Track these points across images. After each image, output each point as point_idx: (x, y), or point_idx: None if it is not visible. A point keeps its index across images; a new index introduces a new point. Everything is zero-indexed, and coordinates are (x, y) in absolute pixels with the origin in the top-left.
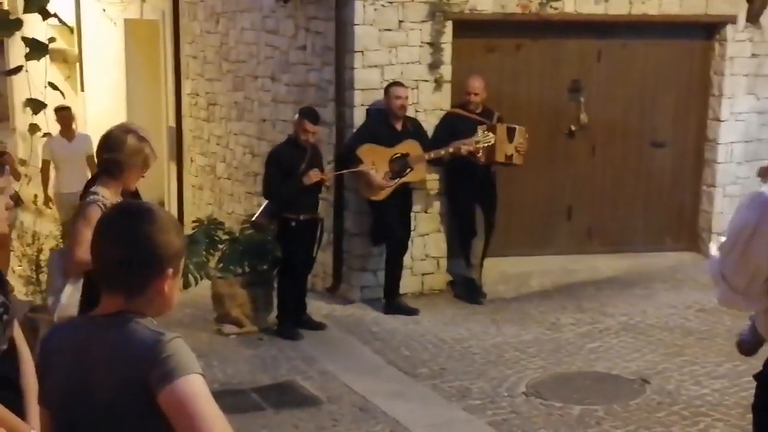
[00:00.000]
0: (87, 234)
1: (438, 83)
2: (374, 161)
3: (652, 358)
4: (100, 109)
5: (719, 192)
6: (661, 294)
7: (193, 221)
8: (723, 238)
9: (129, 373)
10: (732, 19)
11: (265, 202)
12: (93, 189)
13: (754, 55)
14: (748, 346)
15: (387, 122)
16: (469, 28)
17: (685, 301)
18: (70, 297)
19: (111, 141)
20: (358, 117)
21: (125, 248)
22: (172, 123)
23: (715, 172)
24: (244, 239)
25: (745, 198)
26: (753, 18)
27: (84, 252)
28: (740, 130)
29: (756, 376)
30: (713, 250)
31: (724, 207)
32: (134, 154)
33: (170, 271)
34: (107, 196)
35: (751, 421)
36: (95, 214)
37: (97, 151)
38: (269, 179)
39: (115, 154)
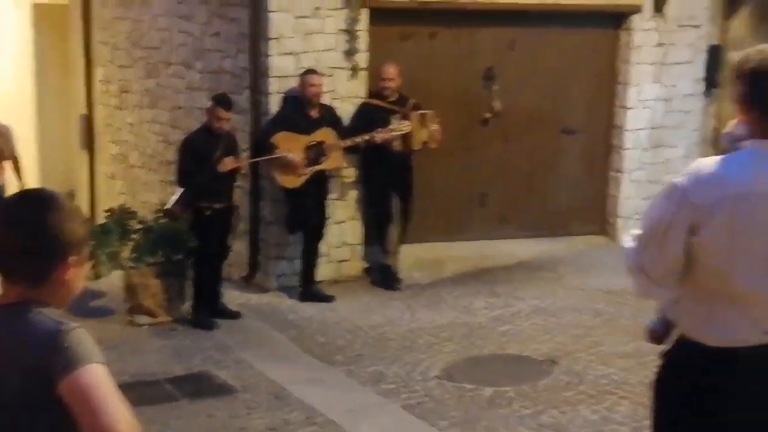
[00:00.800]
0: None
1: (354, 71)
2: (290, 149)
3: (561, 339)
4: (6, 96)
5: (626, 177)
6: (571, 277)
7: (105, 211)
8: (637, 231)
9: (30, 364)
10: (638, 9)
11: (179, 191)
12: None
13: (659, 44)
14: (658, 335)
15: (302, 110)
16: (384, 15)
17: (593, 284)
18: None
19: None
20: (274, 104)
21: (27, 236)
22: (84, 111)
23: (622, 158)
24: (157, 228)
25: (661, 190)
26: (658, 8)
27: None
28: (646, 118)
29: (663, 355)
30: (628, 242)
31: (630, 192)
32: None
33: (73, 259)
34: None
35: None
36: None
37: None
38: (183, 167)
39: None
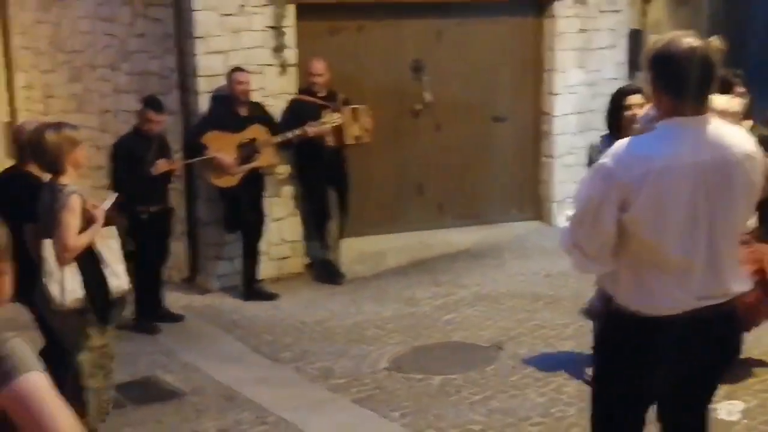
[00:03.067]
0: (74, 222)
1: (283, 67)
2: (221, 148)
3: (505, 324)
4: None
5: (558, 162)
6: (511, 263)
7: None
8: (570, 211)
9: None
10: None
11: (112, 196)
12: (58, 184)
13: (582, 30)
14: (595, 310)
15: (231, 108)
16: (311, 10)
17: (532, 268)
18: (72, 282)
19: (36, 147)
20: (203, 104)
21: None
22: (6, 118)
23: (552, 143)
24: None
25: (590, 170)
26: None
27: (74, 239)
28: (573, 103)
29: (600, 324)
30: (564, 221)
31: (562, 176)
32: (60, 143)
33: (3, 266)
34: (73, 182)
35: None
36: (77, 203)
37: (22, 158)
38: (115, 172)
39: (48, 156)
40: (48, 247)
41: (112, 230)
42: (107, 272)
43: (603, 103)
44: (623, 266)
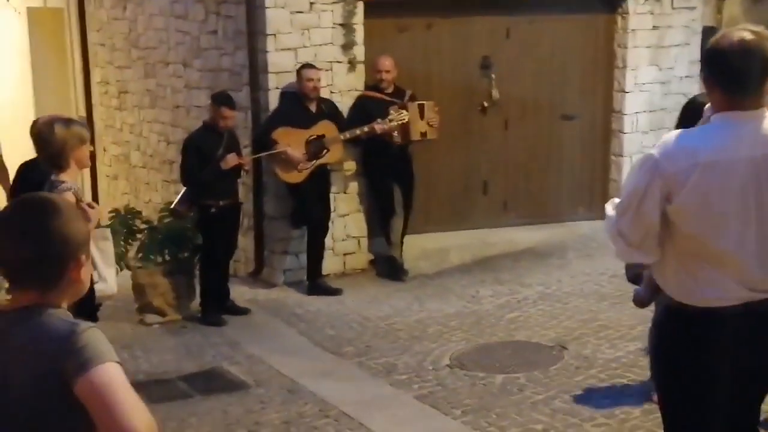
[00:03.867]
0: None
1: (351, 64)
2: (290, 143)
3: (569, 324)
4: (4, 101)
5: (627, 161)
6: (576, 262)
7: (110, 211)
8: (617, 199)
9: (45, 366)
10: None
11: (183, 189)
12: (55, 179)
13: (655, 27)
14: (641, 297)
15: (301, 104)
16: (380, 8)
17: (598, 268)
18: None
19: (43, 137)
20: (273, 100)
21: (39, 246)
22: (83, 112)
23: (622, 142)
24: (163, 228)
25: (637, 161)
26: None
27: None
28: (644, 101)
29: (654, 322)
30: (609, 210)
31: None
32: (67, 137)
33: (83, 257)
34: (70, 180)
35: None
36: (71, 200)
37: (37, 151)
38: (187, 166)
39: (52, 147)
40: None
41: (106, 232)
42: (94, 275)
43: (675, 101)
44: (670, 257)
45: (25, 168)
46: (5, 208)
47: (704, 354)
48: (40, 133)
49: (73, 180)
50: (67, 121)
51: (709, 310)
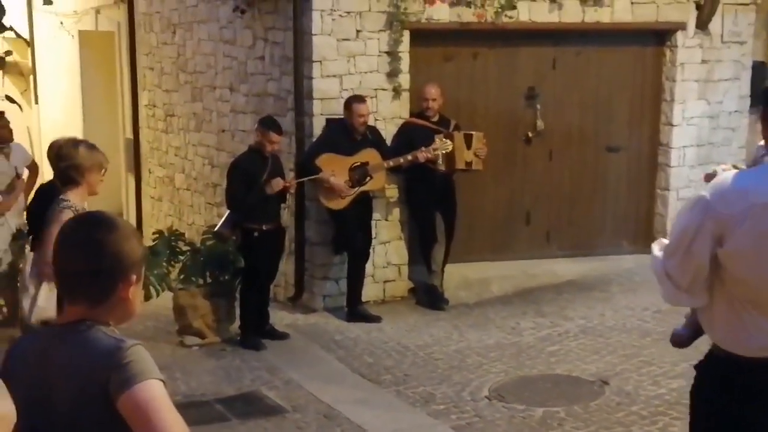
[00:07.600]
0: None
1: (396, 92)
2: (334, 170)
3: (611, 359)
4: (54, 122)
5: (673, 195)
6: (619, 297)
7: (154, 233)
8: (665, 240)
9: (90, 381)
10: (682, 26)
11: (226, 213)
12: (62, 196)
13: (704, 61)
14: (679, 338)
15: (346, 131)
16: (426, 37)
17: (641, 303)
18: (48, 300)
19: (64, 152)
20: (318, 126)
21: (91, 258)
22: (130, 135)
23: (668, 175)
24: (205, 250)
25: (688, 201)
26: (702, 24)
27: None
28: (692, 135)
29: (696, 366)
30: (656, 250)
31: (678, 210)
32: (89, 158)
33: (134, 277)
34: (76, 201)
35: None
36: (68, 217)
37: (51, 164)
38: (233, 190)
39: (73, 161)
40: (29, 260)
41: None
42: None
43: (723, 136)
44: (718, 303)
45: (41, 189)
46: (69, 221)
47: (747, 405)
48: (62, 148)
49: (80, 202)
50: (92, 146)
51: (756, 360)
